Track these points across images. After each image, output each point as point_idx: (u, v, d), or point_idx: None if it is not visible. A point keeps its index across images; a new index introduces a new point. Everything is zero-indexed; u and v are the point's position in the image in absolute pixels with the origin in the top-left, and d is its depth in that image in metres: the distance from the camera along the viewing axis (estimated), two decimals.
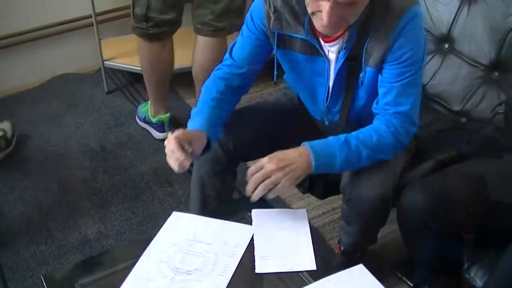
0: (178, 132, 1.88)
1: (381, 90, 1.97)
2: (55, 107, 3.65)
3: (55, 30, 3.73)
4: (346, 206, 2.13)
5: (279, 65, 2.15)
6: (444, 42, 2.57)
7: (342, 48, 1.93)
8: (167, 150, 1.89)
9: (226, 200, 2.31)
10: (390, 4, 1.83)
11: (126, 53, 3.86)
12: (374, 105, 2.00)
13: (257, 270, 1.78)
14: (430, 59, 2.58)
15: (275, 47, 2.05)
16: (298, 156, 1.89)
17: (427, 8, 2.57)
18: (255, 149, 2.27)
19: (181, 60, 3.60)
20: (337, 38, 1.92)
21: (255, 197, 1.87)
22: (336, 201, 2.68)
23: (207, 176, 2.19)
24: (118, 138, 3.45)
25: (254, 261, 1.81)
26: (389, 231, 2.51)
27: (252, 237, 1.90)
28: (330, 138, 1.95)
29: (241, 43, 2.11)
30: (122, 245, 2.64)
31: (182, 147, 1.84)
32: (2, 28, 3.67)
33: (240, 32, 2.12)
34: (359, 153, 1.92)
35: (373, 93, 2.01)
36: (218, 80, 2.12)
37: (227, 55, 2.15)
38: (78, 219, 2.88)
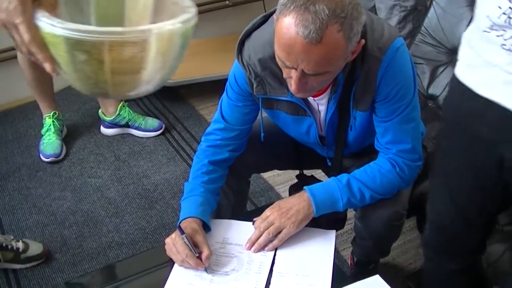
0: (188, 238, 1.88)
1: (378, 130, 1.96)
2: (69, 117, 3.68)
3: None
4: (359, 223, 2.14)
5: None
6: (456, 54, 2.58)
7: (330, 99, 1.92)
8: (171, 247, 1.88)
9: (239, 210, 2.34)
10: (368, 49, 1.79)
11: None
12: (376, 142, 2.00)
13: (272, 286, 1.80)
14: (443, 70, 2.59)
15: (261, 109, 2.04)
16: (299, 202, 1.93)
17: (438, 20, 2.58)
18: (268, 164, 2.32)
19: (192, 72, 3.64)
20: (324, 90, 1.91)
21: (257, 246, 1.90)
22: (349, 211, 2.69)
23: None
24: (132, 148, 3.48)
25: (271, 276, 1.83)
26: (401, 242, 2.53)
27: (275, 251, 1.92)
28: (332, 180, 1.97)
29: (229, 105, 2.07)
30: (148, 252, 2.64)
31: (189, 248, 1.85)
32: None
33: (225, 92, 2.08)
34: (362, 195, 1.94)
35: (366, 132, 2.00)
36: (207, 154, 2.10)
37: (217, 116, 2.11)
38: (92, 228, 2.90)
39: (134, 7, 1.43)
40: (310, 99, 1.94)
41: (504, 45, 1.44)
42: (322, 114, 1.98)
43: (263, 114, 2.06)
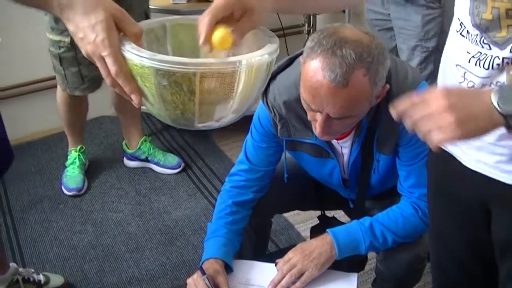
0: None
1: (401, 173, 1.98)
2: (90, 150, 3.70)
3: None
4: (380, 265, 2.14)
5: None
6: None
7: (354, 142, 1.94)
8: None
9: (261, 250, 2.35)
10: (393, 93, 1.79)
11: None
12: (398, 185, 2.01)
13: None
14: None
15: (285, 150, 2.06)
16: (321, 244, 1.94)
17: None
18: (290, 205, 2.33)
19: None
20: (348, 133, 1.92)
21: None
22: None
23: None
24: (153, 183, 3.49)
25: None
26: (422, 284, 2.52)
27: None
28: (354, 223, 1.98)
29: (254, 146, 2.10)
30: None
31: None
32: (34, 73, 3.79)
33: (250, 133, 2.11)
34: (384, 238, 1.95)
35: (389, 175, 2.01)
36: (231, 195, 2.12)
37: (242, 157, 2.13)
38: (112, 263, 2.91)
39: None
40: (334, 141, 1.96)
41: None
42: (346, 157, 2.00)
43: (287, 154, 2.08)
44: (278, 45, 1.31)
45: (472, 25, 1.33)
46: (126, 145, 3.62)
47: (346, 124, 1.77)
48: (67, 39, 2.94)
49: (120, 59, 1.18)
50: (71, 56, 3.02)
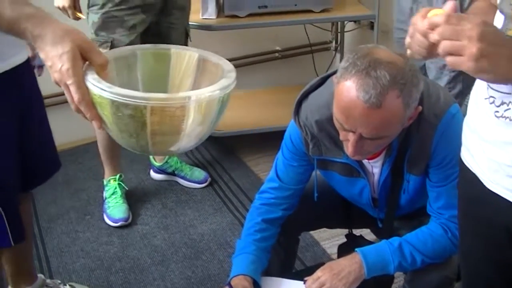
0: None
1: (431, 194, 1.99)
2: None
3: None
4: (408, 286, 2.14)
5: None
6: None
7: (385, 162, 1.95)
8: None
9: (288, 267, 2.36)
10: (424, 114, 1.82)
11: None
12: (428, 206, 2.02)
13: None
14: None
15: (315, 169, 2.07)
16: (350, 264, 1.96)
17: None
18: (319, 223, 2.34)
19: (240, 123, 3.70)
20: (379, 153, 1.94)
21: None
22: None
23: None
24: (179, 196, 3.51)
25: None
26: None
27: None
28: (383, 243, 2.00)
29: (284, 164, 2.11)
30: None
31: None
32: None
33: (281, 151, 2.13)
34: (413, 259, 1.95)
35: (419, 195, 2.02)
36: (261, 212, 2.14)
37: (272, 175, 2.15)
38: (138, 275, 2.93)
39: (178, 66, 1.53)
40: (365, 161, 1.97)
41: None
42: (376, 177, 2.01)
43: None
44: (233, 80, 1.39)
45: None
46: (153, 158, 3.64)
47: (378, 145, 1.79)
48: (105, 51, 2.94)
49: (83, 88, 1.29)
50: None
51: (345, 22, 4.36)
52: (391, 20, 3.22)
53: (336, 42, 4.55)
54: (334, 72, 1.84)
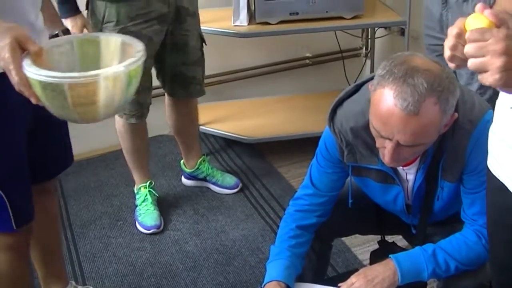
0: None
1: (465, 201, 1.98)
2: (149, 168, 3.74)
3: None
4: None
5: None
6: None
7: (419, 169, 1.95)
8: None
9: (321, 274, 2.36)
10: (459, 121, 1.81)
11: (220, 118, 3.99)
12: (462, 213, 2.01)
13: None
14: None
15: (350, 176, 2.08)
16: (385, 270, 1.95)
17: None
18: (352, 229, 2.34)
19: (271, 129, 3.72)
20: (414, 160, 1.94)
21: None
22: None
23: None
24: (210, 202, 3.53)
25: None
26: None
27: None
28: (418, 249, 1.99)
29: (319, 171, 2.12)
30: None
31: None
32: None
33: (315, 158, 2.14)
34: (447, 266, 1.95)
35: (453, 202, 2.02)
36: (295, 218, 2.15)
37: (307, 182, 2.16)
38: (170, 280, 2.95)
39: (107, 50, 1.86)
40: (399, 168, 1.97)
41: None
42: (410, 183, 2.00)
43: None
44: (138, 58, 1.68)
45: None
46: (184, 165, 3.66)
47: (414, 152, 1.79)
48: None
49: (20, 72, 1.58)
50: None
51: (376, 28, 4.36)
52: (421, 26, 3.20)
53: (367, 49, 4.54)
54: (369, 80, 1.85)
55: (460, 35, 1.23)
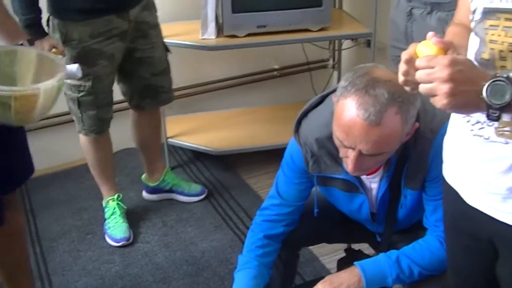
0: None
1: (428, 208, 2.02)
2: (118, 181, 3.75)
3: (119, 106, 3.85)
4: None
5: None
6: None
7: (383, 178, 1.99)
8: None
9: (288, 283, 2.38)
10: (421, 130, 1.86)
11: (188, 131, 4.01)
12: (424, 220, 2.05)
13: None
14: None
15: (316, 186, 2.11)
16: (350, 277, 1.98)
17: None
18: (319, 238, 2.37)
19: (239, 141, 3.75)
20: (377, 169, 1.98)
21: None
22: None
23: None
24: (179, 214, 3.54)
25: None
26: None
27: None
28: (382, 256, 2.02)
29: (285, 182, 2.15)
30: None
31: None
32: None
33: (281, 169, 2.16)
34: (411, 271, 1.98)
35: (416, 209, 2.05)
36: (262, 228, 2.17)
37: (273, 192, 2.18)
38: None
39: (23, 60, 2.22)
40: (363, 177, 2.00)
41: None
42: (374, 192, 2.04)
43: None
44: (64, 73, 2.19)
45: (478, 64, 1.42)
46: (147, 179, 3.66)
47: (377, 161, 1.83)
48: (89, 83, 2.97)
49: None
50: (91, 99, 3.03)
51: (342, 40, 4.40)
52: (387, 38, 3.26)
53: (334, 60, 4.59)
54: (333, 91, 1.89)
55: (410, 61, 1.32)
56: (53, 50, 2.70)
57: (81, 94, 3.01)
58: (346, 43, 4.49)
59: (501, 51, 1.36)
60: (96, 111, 3.08)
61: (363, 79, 1.70)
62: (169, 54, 3.31)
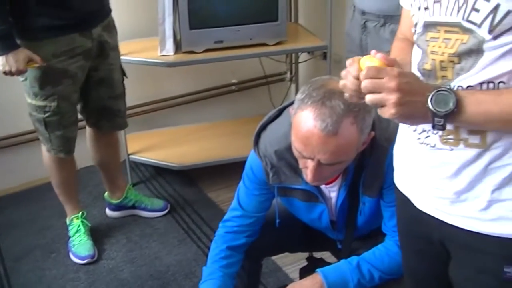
0: None
1: (385, 214, 2.08)
2: (81, 199, 3.75)
3: (79, 125, 3.86)
4: None
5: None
6: None
7: (341, 186, 2.05)
8: None
9: None
10: (376, 139, 1.92)
11: (150, 147, 4.03)
12: (383, 225, 2.12)
13: None
14: None
15: (276, 196, 2.16)
16: (312, 284, 2.04)
17: None
18: (281, 248, 2.42)
19: (200, 155, 3.79)
20: (335, 178, 2.04)
21: None
22: None
23: None
24: (143, 230, 3.56)
25: None
26: None
27: None
28: (343, 262, 2.08)
29: (246, 193, 2.20)
30: None
31: None
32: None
33: (242, 181, 2.21)
34: (371, 276, 2.04)
35: (374, 216, 2.11)
36: (225, 240, 2.22)
37: (235, 204, 2.23)
38: None
39: None
40: (322, 186, 2.06)
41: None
42: (334, 200, 2.10)
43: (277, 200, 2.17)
44: None
45: (421, 74, 1.50)
46: (109, 197, 3.67)
47: (335, 170, 1.89)
48: (54, 104, 2.96)
49: None
50: (57, 119, 3.02)
51: (299, 53, 4.46)
52: (343, 50, 3.32)
53: (291, 73, 4.64)
54: (290, 104, 1.94)
55: (347, 74, 1.40)
56: (29, 62, 2.73)
57: (47, 114, 3.00)
58: (302, 56, 4.56)
59: (441, 61, 1.43)
60: (62, 131, 3.08)
61: (319, 91, 1.76)
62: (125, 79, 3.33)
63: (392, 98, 1.32)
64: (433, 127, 1.36)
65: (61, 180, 3.34)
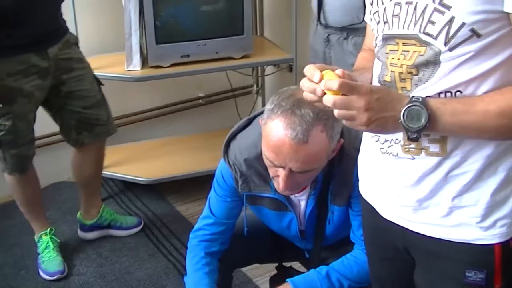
0: None
1: (354, 223, 2.11)
2: (51, 215, 3.74)
3: (46, 141, 3.86)
4: None
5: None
6: None
7: (310, 195, 2.08)
8: None
9: None
10: (345, 148, 1.96)
11: (118, 162, 4.02)
12: (351, 234, 2.15)
13: None
14: None
15: (245, 204, 2.19)
16: None
17: None
18: (250, 259, 2.44)
19: (168, 169, 3.80)
20: (305, 187, 2.06)
21: None
22: None
23: None
24: (113, 245, 3.55)
25: None
26: None
27: None
28: (312, 272, 2.11)
29: (217, 200, 2.22)
30: None
31: None
32: None
33: (213, 188, 2.24)
34: (341, 285, 2.07)
35: (343, 225, 2.15)
36: (202, 247, 2.24)
37: (207, 213, 2.25)
38: None
39: None
40: (292, 195, 2.09)
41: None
42: (302, 209, 2.13)
43: (247, 209, 2.20)
44: None
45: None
46: (83, 217, 3.61)
47: (307, 178, 1.92)
48: (9, 122, 2.94)
49: None
50: (12, 138, 3.00)
51: (265, 66, 4.50)
52: (309, 62, 3.36)
53: (257, 86, 4.69)
54: (260, 113, 1.97)
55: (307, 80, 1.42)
56: None
57: (2, 133, 2.97)
58: (269, 69, 4.60)
59: (400, 73, 1.47)
60: (17, 150, 3.06)
61: (288, 100, 1.80)
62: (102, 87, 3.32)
63: (362, 117, 1.35)
64: (408, 139, 1.40)
65: (25, 199, 3.32)
